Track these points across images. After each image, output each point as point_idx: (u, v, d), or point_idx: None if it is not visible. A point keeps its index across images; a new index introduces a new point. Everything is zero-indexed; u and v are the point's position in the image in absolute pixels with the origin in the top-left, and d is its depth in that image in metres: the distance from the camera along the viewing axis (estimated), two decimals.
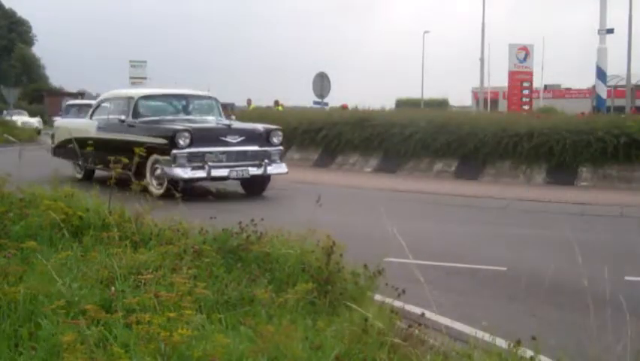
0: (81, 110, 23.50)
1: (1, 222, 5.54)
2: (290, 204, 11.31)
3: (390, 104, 30.16)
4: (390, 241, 4.42)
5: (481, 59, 37.21)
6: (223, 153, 11.73)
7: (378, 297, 4.60)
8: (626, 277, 6.23)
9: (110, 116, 13.33)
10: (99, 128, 13.39)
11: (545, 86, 46.08)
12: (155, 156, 11.53)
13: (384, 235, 4.64)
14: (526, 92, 33.90)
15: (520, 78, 33.72)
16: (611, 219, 10.59)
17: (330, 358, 3.39)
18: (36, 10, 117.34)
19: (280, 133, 12.48)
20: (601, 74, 24.67)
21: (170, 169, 11.38)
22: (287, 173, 12.52)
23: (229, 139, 11.85)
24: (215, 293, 4.21)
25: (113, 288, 4.10)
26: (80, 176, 14.24)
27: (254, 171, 11.89)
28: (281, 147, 12.50)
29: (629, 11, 31.39)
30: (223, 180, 12.28)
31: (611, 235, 9.11)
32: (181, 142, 11.32)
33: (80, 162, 14.12)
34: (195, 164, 11.42)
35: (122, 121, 12.58)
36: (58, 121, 17.51)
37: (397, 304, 4.40)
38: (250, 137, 12.16)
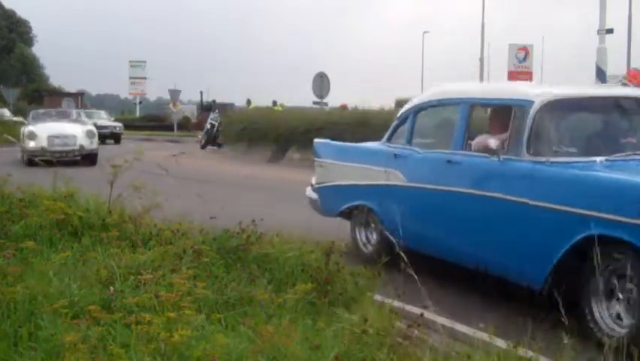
0: None
1: (0, 223, 5.54)
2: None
3: (389, 104, 30.13)
4: None
5: (481, 59, 37.29)
6: None
7: (378, 297, 4.61)
8: None
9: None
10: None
11: None
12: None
13: None
14: None
15: (520, 78, 33.73)
16: None
17: (329, 358, 3.39)
18: (36, 10, 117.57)
19: None
20: (601, 74, 24.68)
21: None
22: None
23: None
24: (214, 293, 4.21)
25: (112, 288, 4.10)
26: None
27: None
28: None
29: (628, 11, 31.47)
30: None
31: None
32: None
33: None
34: None
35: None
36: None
37: (397, 304, 4.41)
38: None
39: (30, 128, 18.50)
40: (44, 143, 17.75)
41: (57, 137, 18.09)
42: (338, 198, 7.23)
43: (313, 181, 7.79)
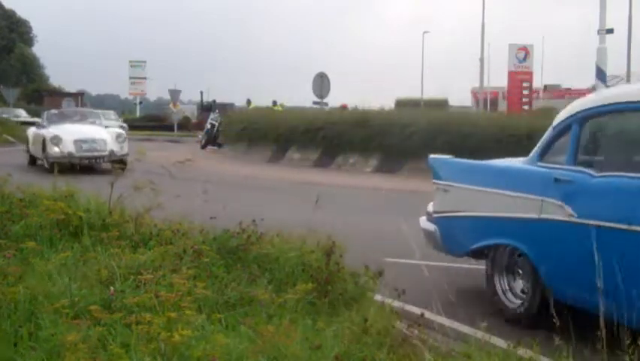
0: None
1: (1, 222, 5.54)
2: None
3: (389, 104, 30.23)
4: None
5: (481, 59, 37.21)
6: None
7: (378, 297, 4.61)
8: None
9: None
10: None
11: (545, 87, 46.17)
12: None
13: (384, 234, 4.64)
14: (526, 92, 33.98)
15: (520, 78, 33.78)
16: None
17: (329, 358, 3.39)
18: (36, 10, 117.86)
19: None
20: (601, 74, 24.70)
21: None
22: None
23: None
24: (215, 293, 4.21)
25: (112, 288, 4.10)
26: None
27: None
28: None
29: (628, 11, 31.46)
30: None
31: None
32: None
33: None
34: None
35: None
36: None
37: (397, 304, 4.41)
38: None
39: (52, 131, 16.63)
40: (71, 148, 16.11)
41: (85, 141, 16.39)
42: (468, 233, 5.53)
43: (430, 208, 6.06)
